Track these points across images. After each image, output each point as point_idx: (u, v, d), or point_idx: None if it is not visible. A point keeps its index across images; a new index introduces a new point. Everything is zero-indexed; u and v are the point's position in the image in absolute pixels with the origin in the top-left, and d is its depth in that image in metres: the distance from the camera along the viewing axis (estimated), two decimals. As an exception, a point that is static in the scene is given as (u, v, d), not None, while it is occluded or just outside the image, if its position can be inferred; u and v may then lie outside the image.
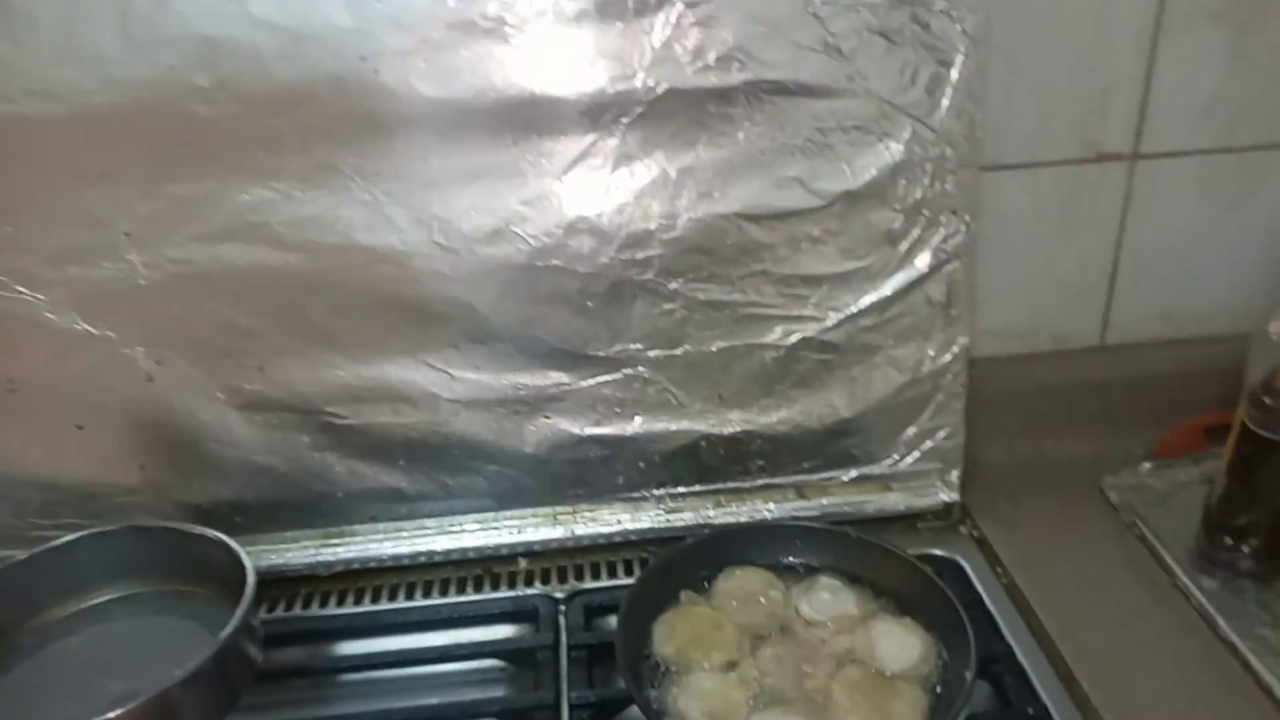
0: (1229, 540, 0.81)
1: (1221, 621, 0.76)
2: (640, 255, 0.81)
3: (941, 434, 0.90)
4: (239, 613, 0.67)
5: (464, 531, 0.88)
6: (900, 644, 0.72)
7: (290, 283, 0.79)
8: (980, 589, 0.83)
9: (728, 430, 0.88)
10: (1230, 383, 0.82)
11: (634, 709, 0.73)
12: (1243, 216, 0.93)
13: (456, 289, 0.80)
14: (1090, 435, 0.96)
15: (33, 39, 0.71)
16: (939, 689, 0.69)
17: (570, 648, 0.79)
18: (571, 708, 0.73)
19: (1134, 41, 0.85)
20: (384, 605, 0.86)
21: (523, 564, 0.89)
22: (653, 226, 0.80)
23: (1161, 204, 0.92)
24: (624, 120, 0.77)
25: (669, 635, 0.74)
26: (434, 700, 0.76)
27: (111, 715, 0.61)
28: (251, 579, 0.70)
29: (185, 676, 0.63)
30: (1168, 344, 0.98)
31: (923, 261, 0.84)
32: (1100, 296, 0.96)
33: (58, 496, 0.83)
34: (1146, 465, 0.93)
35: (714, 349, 0.85)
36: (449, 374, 0.83)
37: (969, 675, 0.66)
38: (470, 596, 0.87)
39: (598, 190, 0.79)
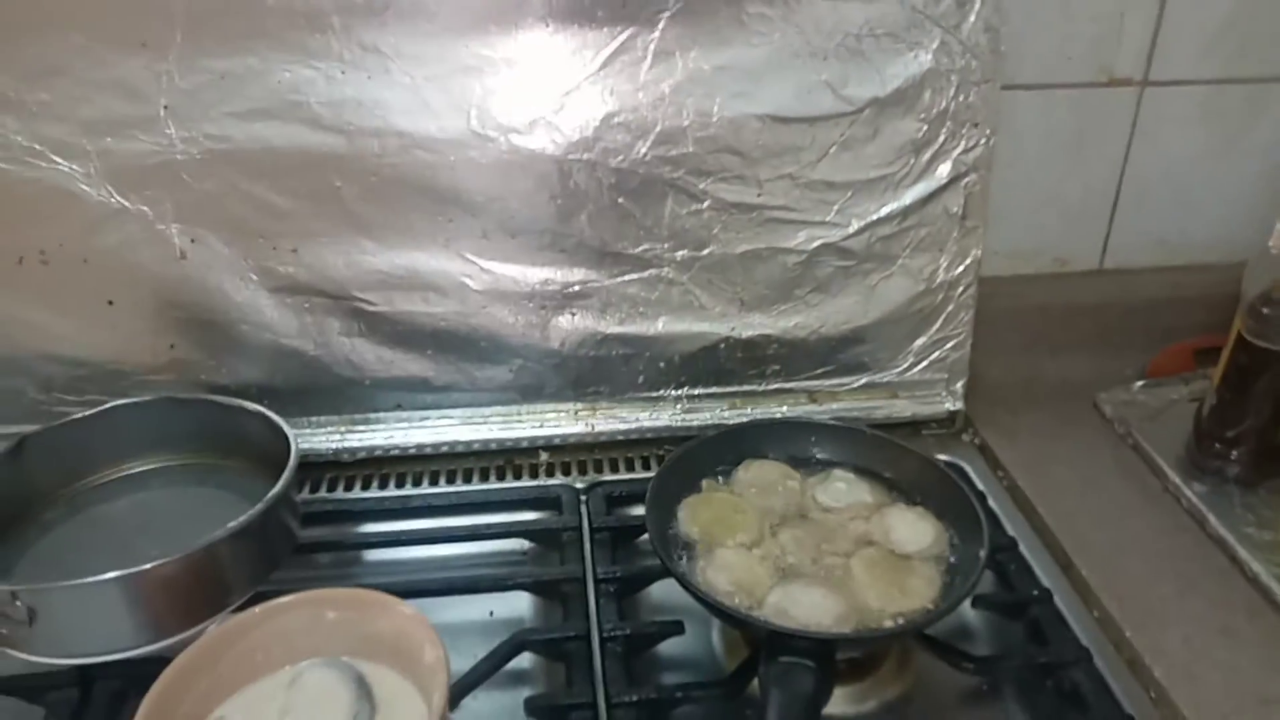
0: (1219, 448, 0.85)
1: (1211, 519, 0.81)
2: (673, 152, 0.83)
3: (949, 344, 0.93)
4: (285, 475, 0.69)
5: (487, 423, 0.90)
6: (914, 529, 0.76)
7: (326, 165, 0.80)
8: (984, 489, 0.87)
9: (747, 334, 0.90)
10: (1221, 309, 0.86)
11: (656, 585, 0.77)
12: (1242, 148, 0.97)
13: (490, 179, 0.82)
14: (1086, 355, 1.00)
15: (78, -101, 0.71)
16: (952, 568, 0.73)
17: (593, 530, 0.81)
18: (598, 581, 0.76)
19: (1152, -35, 0.88)
20: (409, 490, 0.88)
21: (543, 456, 0.91)
22: (686, 123, 0.82)
23: (1166, 132, 0.95)
24: (664, 14, 0.78)
25: (693, 517, 0.77)
26: (468, 573, 0.78)
27: (162, 561, 0.62)
28: (294, 444, 0.72)
29: (236, 529, 0.65)
30: (1163, 270, 1.02)
31: (943, 172, 0.86)
32: (1102, 221, 1.00)
33: (85, 373, 0.84)
34: (1139, 383, 0.97)
35: (738, 252, 0.87)
36: (479, 265, 0.85)
37: (982, 553, 0.70)
38: (493, 485, 0.89)
39: (634, 85, 0.80)
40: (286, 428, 0.74)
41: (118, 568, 0.63)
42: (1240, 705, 0.65)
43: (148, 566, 0.62)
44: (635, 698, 0.66)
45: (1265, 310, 0.80)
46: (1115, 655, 0.71)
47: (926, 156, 0.86)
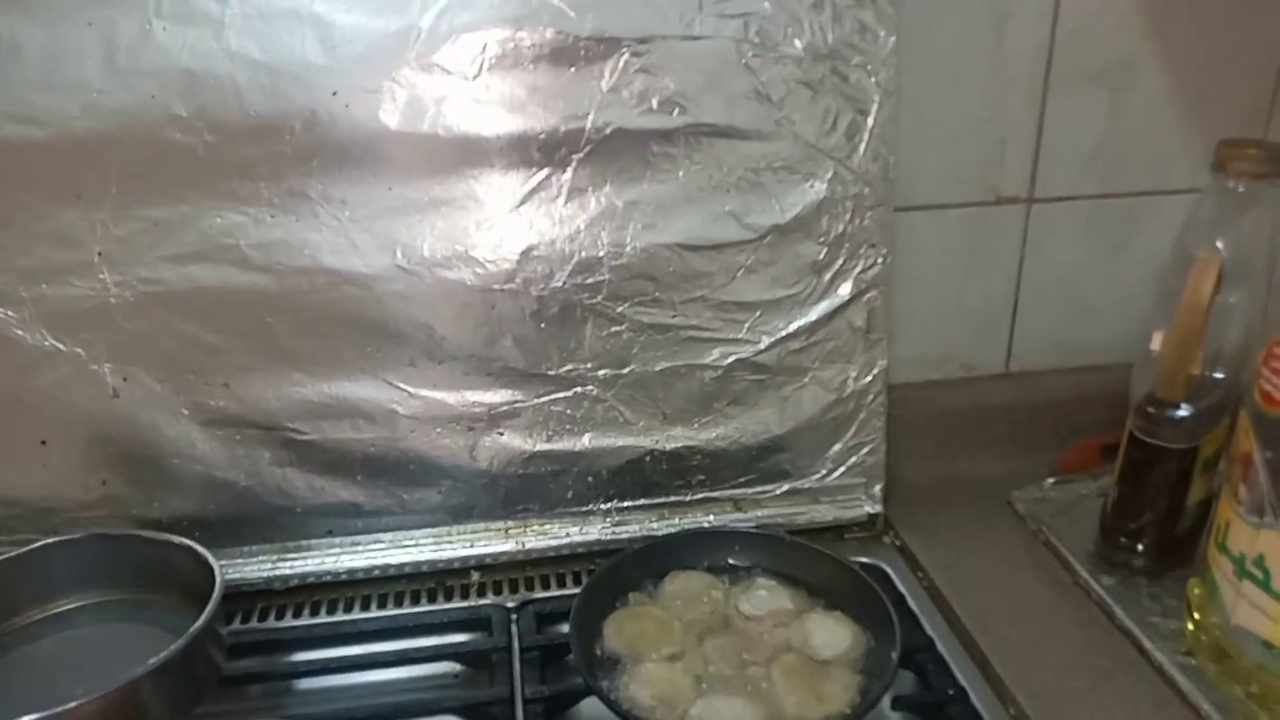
0: (1123, 541, 0.89)
1: (1119, 612, 0.84)
2: (590, 280, 0.87)
3: (865, 450, 0.97)
4: (209, 609, 0.70)
5: (418, 545, 0.92)
6: (832, 634, 0.78)
7: (257, 303, 0.83)
8: (903, 590, 0.90)
9: (670, 446, 0.94)
10: (1122, 406, 0.91)
11: (585, 704, 0.78)
12: (1126, 255, 1.04)
13: (416, 310, 0.86)
14: (998, 454, 1.05)
15: (18, 66, 0.76)
16: (869, 672, 0.75)
17: (523, 649, 0.83)
18: (526, 702, 0.77)
19: (1026, 97, 0.96)
20: (340, 616, 0.89)
21: (475, 576, 0.93)
22: (601, 254, 0.87)
23: (1055, 243, 1.02)
24: (575, 156, 0.84)
25: (618, 631, 0.79)
26: (395, 699, 0.79)
27: (81, 701, 0.63)
28: (219, 577, 0.73)
29: (156, 666, 0.65)
30: (1064, 371, 1.08)
31: (845, 290, 0.92)
32: (1004, 327, 1.06)
33: (17, 512, 0.85)
34: (1050, 480, 1.01)
35: (658, 369, 0.91)
36: (407, 391, 0.88)
37: (895, 655, 0.72)
38: (425, 607, 0.90)
39: (550, 220, 0.85)
40: (212, 560, 0.76)
41: (39, 709, 0.63)
42: (1145, 797, 0.68)
43: (66, 707, 0.62)
44: (559, 819, 0.67)
45: (1150, 409, 0.85)
46: (1029, 753, 0.73)
47: (828, 276, 0.91)
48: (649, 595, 0.83)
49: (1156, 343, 0.84)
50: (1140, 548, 0.88)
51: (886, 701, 0.77)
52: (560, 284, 0.87)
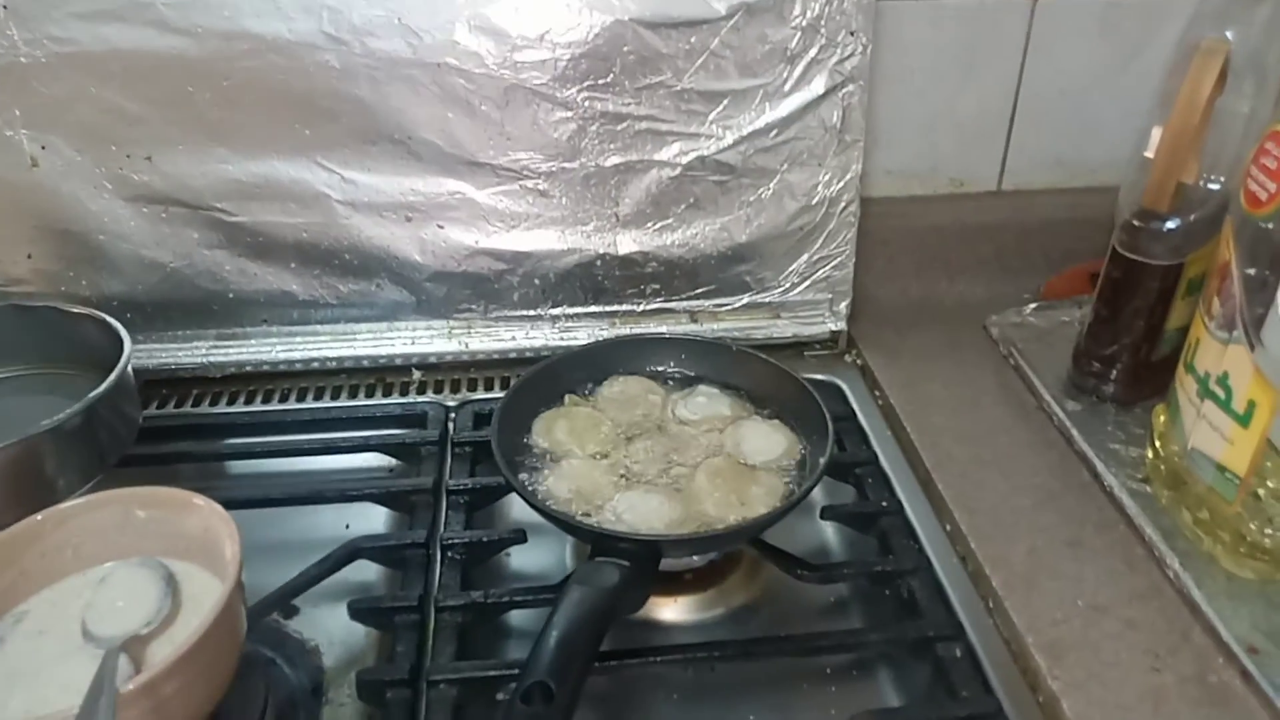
0: (1096, 366, 0.84)
1: (1078, 436, 0.79)
2: (537, 58, 0.80)
3: (832, 264, 0.91)
4: (112, 376, 0.68)
5: (357, 339, 0.89)
6: (766, 440, 0.75)
7: (177, 69, 0.78)
8: (856, 407, 0.86)
9: (623, 250, 0.89)
10: (1120, 231, 0.85)
11: (512, 497, 0.76)
12: (1140, 64, 0.94)
13: (346, 84, 0.80)
14: (982, 278, 0.99)
15: None
16: (798, 480, 0.72)
17: (455, 445, 0.80)
18: (449, 493, 0.75)
19: None
20: (275, 406, 0.87)
21: (416, 375, 0.90)
22: (549, 28, 0.80)
23: (1062, 46, 0.93)
24: (521, -87, 0.76)
25: (547, 428, 0.76)
26: (315, 484, 0.78)
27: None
28: (128, 347, 0.71)
29: (51, 427, 0.64)
30: (1062, 191, 1.00)
31: (819, 83, 0.84)
32: (999, 141, 0.98)
33: (-61, 281, 0.82)
34: (1031, 305, 0.96)
35: (610, 164, 0.85)
36: (339, 174, 0.83)
37: (822, 460, 0.69)
38: (361, 401, 0.88)
39: (494, -14, 0.78)
40: (123, 332, 0.73)
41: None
42: (1070, 612, 0.64)
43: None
44: (463, 601, 0.66)
45: (1136, 222, 0.78)
46: (959, 567, 0.70)
47: (801, 66, 0.83)
48: (585, 396, 0.80)
49: (1152, 146, 0.76)
50: (1113, 374, 0.83)
51: (816, 510, 0.75)
52: (503, 61, 0.80)
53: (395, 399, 0.88)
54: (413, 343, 0.89)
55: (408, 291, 0.88)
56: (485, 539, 0.72)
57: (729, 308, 0.93)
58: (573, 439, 0.75)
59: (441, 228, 0.86)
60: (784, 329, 0.93)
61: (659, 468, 0.73)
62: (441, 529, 0.72)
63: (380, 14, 0.78)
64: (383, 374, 0.90)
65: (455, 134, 0.82)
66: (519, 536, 0.71)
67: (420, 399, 0.88)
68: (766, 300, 0.93)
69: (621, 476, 0.72)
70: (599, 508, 0.69)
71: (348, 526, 0.76)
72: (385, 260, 0.86)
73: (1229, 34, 0.70)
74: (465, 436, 0.81)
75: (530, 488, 0.70)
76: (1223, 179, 0.75)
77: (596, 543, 0.64)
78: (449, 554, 0.70)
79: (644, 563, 0.62)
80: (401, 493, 0.76)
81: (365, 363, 0.90)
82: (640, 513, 0.68)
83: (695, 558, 0.70)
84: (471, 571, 0.70)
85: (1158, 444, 0.75)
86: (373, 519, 0.77)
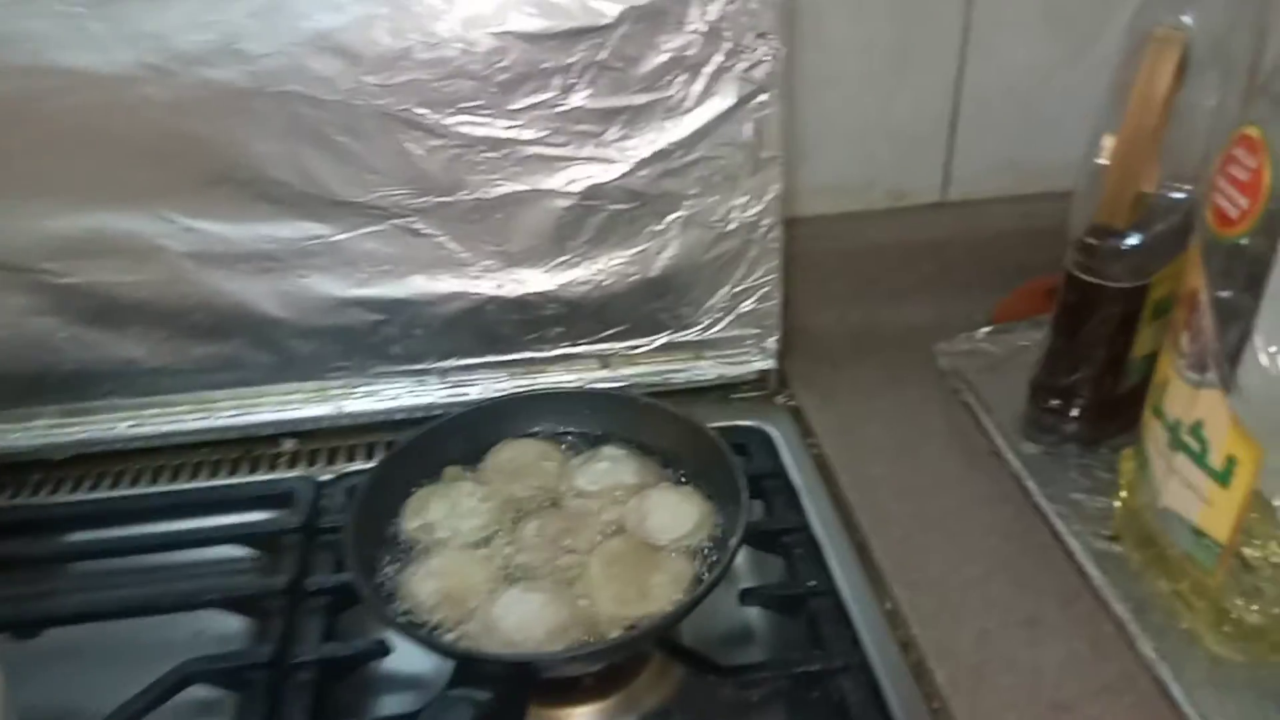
0: (1055, 402, 0.74)
1: (1034, 487, 0.69)
2: (396, 81, 0.70)
3: (757, 295, 0.81)
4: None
5: (217, 409, 0.78)
6: (674, 513, 0.64)
7: (-26, 112, 0.67)
8: (787, 460, 0.75)
9: (517, 292, 0.78)
10: (1077, 241, 0.75)
11: (384, 594, 0.65)
12: (1093, 55, 0.84)
13: (177, 120, 0.68)
14: (928, 300, 0.89)
15: None
16: (711, 562, 0.61)
17: (320, 530, 0.70)
18: (307, 595, 0.65)
19: None
20: (125, 491, 0.76)
21: (287, 445, 0.79)
22: (409, 45, 0.69)
23: (1004, 39, 0.83)
24: (361, -87, 0.65)
25: (419, 511, 0.65)
26: (151, 590, 0.67)
27: None
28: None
29: None
30: (1012, 200, 0.90)
31: (727, 94, 0.74)
32: (940, 146, 0.88)
33: None
34: (983, 330, 0.85)
35: (495, 195, 0.74)
36: (179, 224, 0.72)
37: (733, 542, 0.58)
38: (222, 481, 0.77)
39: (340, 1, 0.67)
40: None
41: None
42: (1027, 714, 0.54)
43: None
44: (305, 739, 0.55)
45: (1092, 240, 0.68)
46: (899, 656, 0.60)
47: (704, 76, 0.73)
48: (469, 468, 0.69)
49: (1105, 153, 0.66)
50: (1074, 411, 0.73)
51: (732, 594, 0.64)
52: (357, 86, 0.69)
53: (261, 475, 0.77)
54: (281, 409, 0.79)
55: (271, 352, 0.77)
56: (341, 654, 0.61)
57: (644, 349, 0.82)
58: (449, 523, 0.64)
59: (304, 278, 0.75)
60: (708, 370, 0.82)
61: (547, 556, 0.62)
62: (293, 643, 0.61)
63: (210, 39, 0.67)
64: (249, 446, 0.79)
65: (310, 171, 0.72)
66: (379, 650, 0.61)
67: (288, 474, 0.77)
68: (687, 339, 0.82)
69: (502, 570, 0.61)
70: (470, 613, 0.58)
71: (198, 634, 0.66)
72: (242, 318, 0.75)
73: (1187, 19, 0.60)
74: (332, 521, 0.70)
75: (389, 590, 0.60)
76: (1188, 187, 0.65)
77: (459, 665, 0.53)
78: (298, 674, 0.59)
79: (514, 687, 0.52)
80: (250, 597, 0.65)
81: (232, 433, 0.79)
82: (517, 619, 0.57)
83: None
84: (327, 692, 0.59)
85: (1125, 495, 0.65)
86: (227, 622, 0.66)
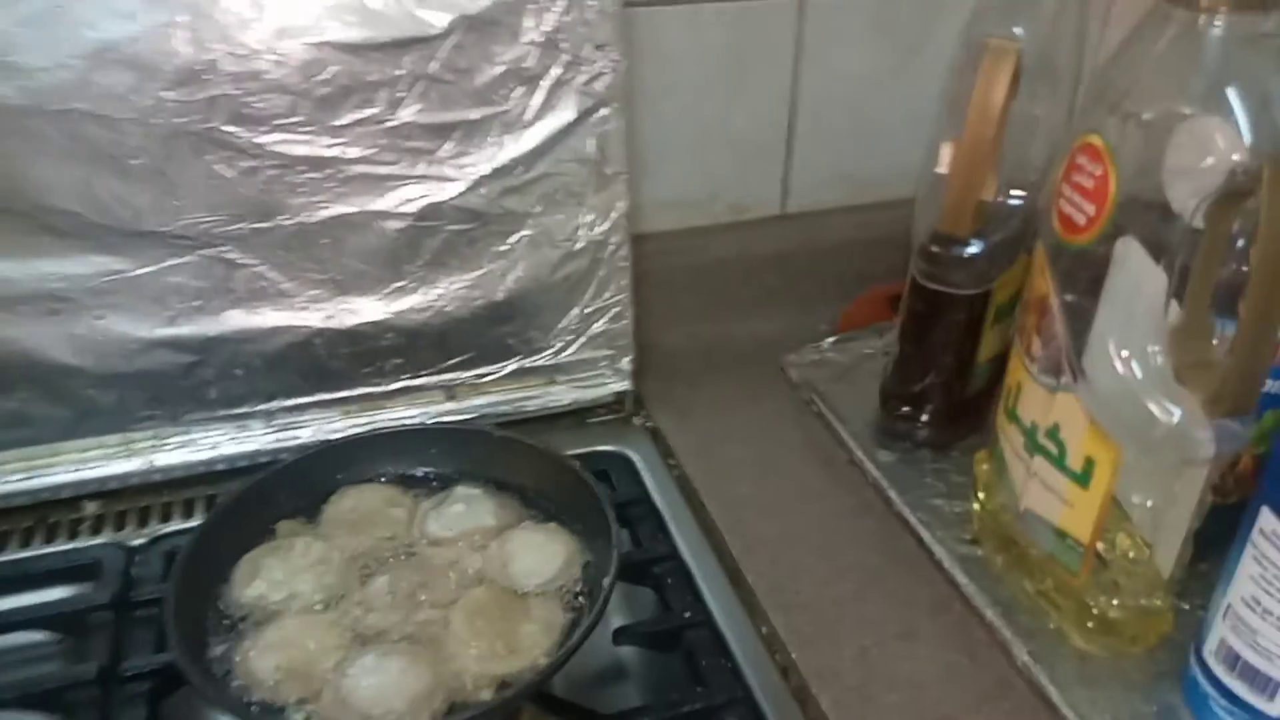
0: (905, 409, 0.75)
1: (895, 496, 0.69)
2: (200, 95, 0.62)
3: (608, 315, 0.78)
4: None
5: (3, 472, 0.68)
6: (539, 555, 0.60)
7: None
8: (650, 484, 0.73)
9: (348, 323, 0.72)
10: (913, 249, 0.76)
11: (214, 672, 0.58)
12: (921, 62, 0.86)
13: (-67, 144, 0.59)
14: (774, 312, 0.89)
15: None
16: (582, 603, 0.58)
17: (134, 605, 0.61)
18: (121, 681, 0.56)
19: None
20: (-110, 575, 0.65)
21: (90, 508, 0.70)
22: (214, 56, 0.62)
23: (834, 50, 0.84)
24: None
25: (251, 574, 0.58)
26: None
27: None
28: None
29: None
30: (849, 210, 0.92)
31: (567, 108, 0.70)
32: (778, 158, 0.88)
33: None
34: (829, 340, 0.86)
35: (319, 219, 0.68)
36: (-60, 262, 0.62)
37: (606, 581, 0.55)
38: (12, 555, 0.67)
39: (131, 8, 0.60)
40: None
41: None
42: (914, 733, 0.54)
43: None
44: None
45: (935, 249, 0.68)
46: (782, 685, 0.58)
47: (543, 90, 0.69)
48: (306, 522, 0.63)
49: (944, 162, 0.67)
50: (924, 416, 0.74)
51: (604, 634, 0.61)
52: (154, 104, 0.62)
53: (60, 544, 0.68)
54: (79, 468, 0.69)
55: (65, 404, 0.68)
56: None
57: (493, 377, 0.77)
58: (286, 586, 0.57)
59: (100, 319, 0.66)
60: (561, 395, 0.79)
61: (402, 614, 0.57)
62: (111, 739, 0.54)
63: (-31, 48, 0.58)
64: (44, 512, 0.69)
65: (103, 199, 0.63)
66: (214, 743, 0.54)
67: (92, 541, 0.67)
68: (538, 364, 0.78)
69: (351, 634, 0.55)
70: (320, 688, 0.52)
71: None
72: (28, 368, 0.66)
73: (1017, 29, 0.62)
74: (149, 592, 0.62)
75: (221, 669, 0.53)
76: (1023, 193, 0.67)
77: (310, 750, 0.47)
78: (115, 781, 0.51)
79: (375, 770, 0.46)
80: (54, 691, 0.56)
81: (21, 498, 0.69)
82: (373, 689, 0.51)
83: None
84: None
85: (982, 498, 0.66)
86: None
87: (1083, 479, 0.54)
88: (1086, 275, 0.53)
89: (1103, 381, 0.52)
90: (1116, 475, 0.52)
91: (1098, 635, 0.57)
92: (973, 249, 0.67)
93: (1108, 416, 0.52)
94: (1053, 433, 0.56)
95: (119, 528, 0.69)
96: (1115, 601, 0.56)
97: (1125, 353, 0.51)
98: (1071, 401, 0.54)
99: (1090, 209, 0.51)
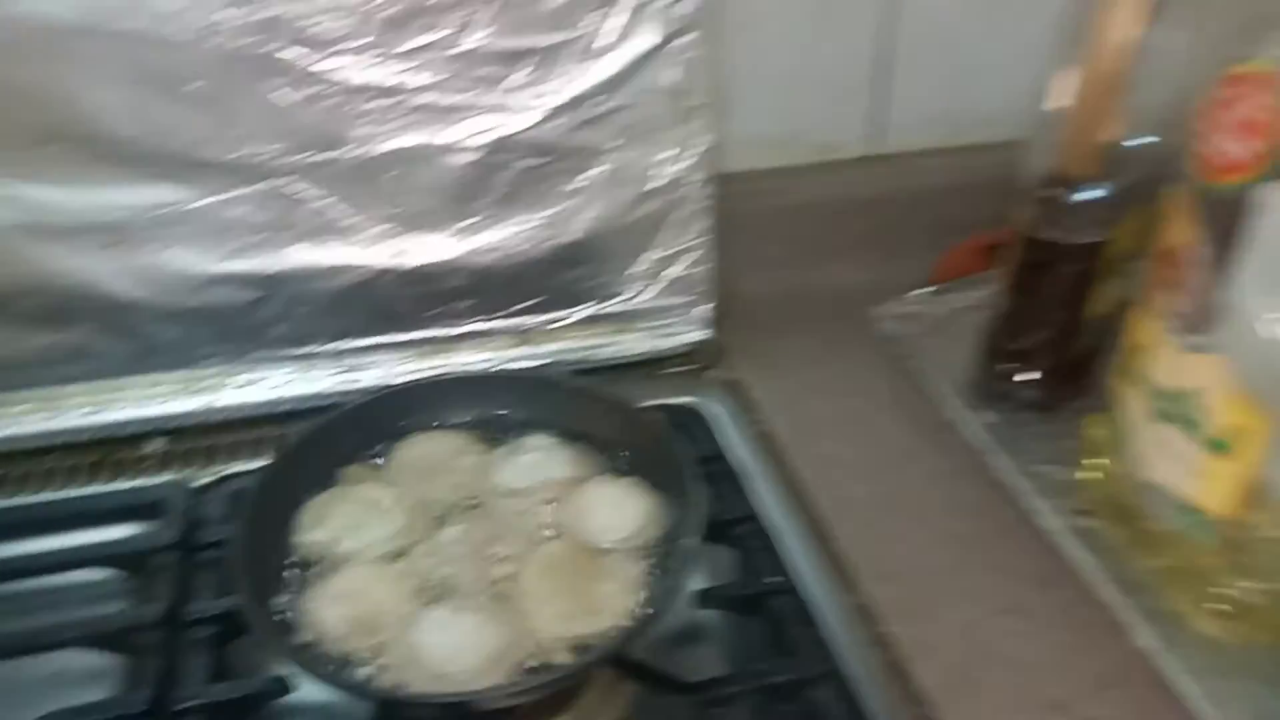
0: (1009, 367, 0.69)
1: (995, 461, 0.65)
2: (259, 18, 0.59)
3: (688, 261, 0.74)
4: None
5: (66, 407, 0.66)
6: (618, 510, 0.56)
7: None
8: (727, 440, 0.68)
9: (415, 262, 0.69)
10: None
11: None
12: (1029, -4, 0.79)
13: (-12, 64, 0.56)
14: (861, 260, 0.83)
15: None
16: (664, 565, 0.54)
17: (198, 547, 0.59)
18: (186, 625, 0.55)
19: None
20: (-43, 507, 0.64)
21: (153, 446, 0.68)
22: (273, -25, 0.58)
23: (938, -25, 0.77)
24: None
25: (316, 523, 0.56)
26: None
27: None
28: None
29: None
30: (946, 152, 0.85)
31: (648, 33, 0.65)
32: (869, 95, 0.82)
33: None
34: (921, 291, 0.80)
35: (382, 152, 0.65)
36: (2, 190, 0.59)
37: (690, 543, 0.51)
38: (76, 491, 0.65)
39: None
40: None
41: None
42: (1020, 717, 0.49)
43: None
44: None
45: (1048, 193, 0.63)
46: (876, 660, 0.54)
47: (623, 13, 0.64)
48: (374, 468, 0.60)
49: (1062, 96, 0.60)
50: (1030, 375, 0.69)
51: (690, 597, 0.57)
52: (211, 24, 0.58)
53: (124, 482, 0.66)
54: (142, 404, 0.67)
55: (128, 339, 0.66)
56: (232, 696, 0.51)
57: (565, 323, 0.74)
58: (353, 534, 0.55)
59: (162, 250, 0.64)
60: (635, 344, 0.75)
61: (473, 566, 0.54)
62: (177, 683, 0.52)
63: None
64: (107, 449, 0.68)
65: (161, 125, 0.60)
66: (277, 688, 0.51)
67: (156, 480, 0.66)
68: (611, 311, 0.74)
69: (422, 587, 0.53)
70: (389, 641, 0.49)
71: (59, 675, 0.55)
72: (89, 301, 0.64)
73: (1157, -52, 0.55)
74: (214, 534, 0.60)
75: (288, 618, 0.50)
76: (1152, 136, 0.61)
77: (382, 708, 0.45)
78: (183, 722, 0.50)
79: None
80: (119, 631, 0.55)
81: (84, 435, 0.67)
82: (446, 645, 0.49)
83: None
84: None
85: (1096, 465, 0.61)
86: (96, 660, 0.55)
87: (1222, 448, 0.49)
88: (1222, 224, 0.47)
89: (1249, 343, 0.47)
90: (1264, 447, 0.47)
91: (1228, 621, 0.52)
92: (1091, 193, 0.61)
93: (1258, 381, 0.47)
94: (1188, 398, 0.50)
95: (183, 467, 0.67)
96: (1250, 585, 0.51)
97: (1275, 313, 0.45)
98: (1213, 364, 0.48)
99: (1247, 147, 0.45)
